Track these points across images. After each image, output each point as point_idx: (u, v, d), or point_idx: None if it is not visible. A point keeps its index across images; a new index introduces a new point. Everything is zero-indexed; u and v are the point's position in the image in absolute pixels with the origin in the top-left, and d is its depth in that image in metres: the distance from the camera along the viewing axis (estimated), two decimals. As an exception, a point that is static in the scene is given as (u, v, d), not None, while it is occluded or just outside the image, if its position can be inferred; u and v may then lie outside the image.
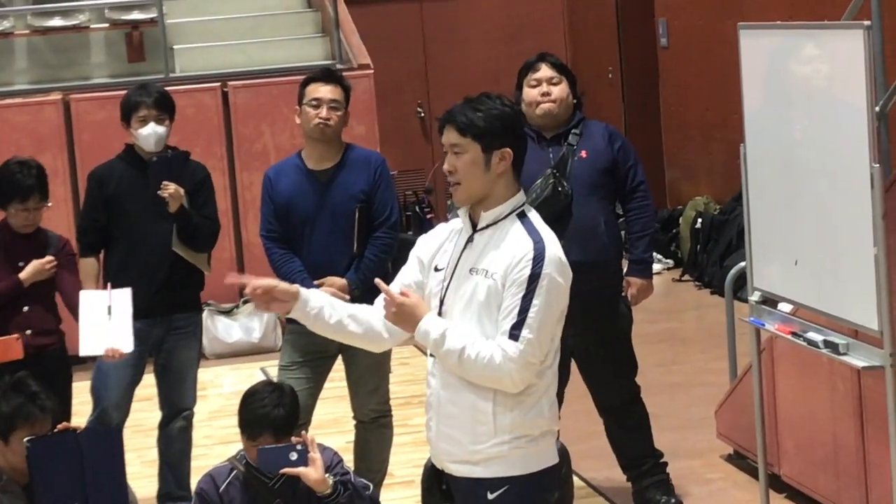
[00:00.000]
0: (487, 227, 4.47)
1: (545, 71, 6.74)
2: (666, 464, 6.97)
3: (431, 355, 4.54)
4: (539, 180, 6.47)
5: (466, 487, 4.48)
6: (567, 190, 6.53)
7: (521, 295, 4.34)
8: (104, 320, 6.47)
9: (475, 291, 4.43)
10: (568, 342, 6.51)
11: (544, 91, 6.70)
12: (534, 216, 4.50)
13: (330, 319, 4.58)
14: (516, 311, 4.34)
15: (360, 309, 4.67)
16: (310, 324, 4.60)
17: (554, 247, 4.43)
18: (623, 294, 6.79)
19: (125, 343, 6.50)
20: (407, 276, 4.65)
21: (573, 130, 6.70)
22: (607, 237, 6.67)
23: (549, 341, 4.40)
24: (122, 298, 6.54)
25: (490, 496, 4.43)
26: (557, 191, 6.50)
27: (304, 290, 4.56)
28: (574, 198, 6.54)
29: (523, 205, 4.51)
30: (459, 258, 4.50)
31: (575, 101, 6.79)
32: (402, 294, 4.49)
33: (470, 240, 4.50)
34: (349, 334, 4.62)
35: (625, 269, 6.84)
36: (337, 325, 4.59)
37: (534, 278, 4.35)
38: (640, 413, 6.93)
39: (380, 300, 4.59)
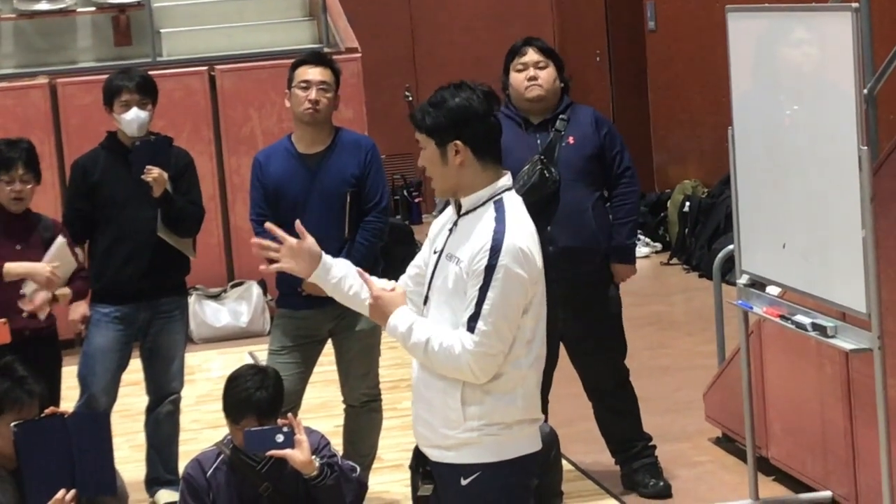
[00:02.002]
0: (468, 213, 4.48)
1: (532, 55, 6.71)
2: (654, 447, 6.98)
3: None
4: (527, 166, 6.45)
5: (443, 472, 4.51)
6: (555, 176, 6.51)
7: (478, 286, 4.35)
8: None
9: (447, 277, 4.45)
10: (558, 326, 6.55)
11: (531, 76, 6.68)
12: (509, 202, 4.47)
13: (349, 291, 4.63)
14: (474, 302, 4.35)
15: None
16: (329, 290, 4.66)
17: (517, 237, 4.39)
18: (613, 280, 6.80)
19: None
20: (419, 257, 4.70)
21: (561, 116, 6.67)
22: (595, 223, 6.66)
23: (508, 333, 4.37)
24: (60, 248, 6.54)
25: (463, 482, 4.44)
26: (545, 177, 6.47)
27: (326, 257, 4.62)
28: (562, 184, 6.53)
29: (504, 190, 4.49)
30: (445, 243, 4.51)
31: (562, 85, 6.77)
32: (387, 289, 4.54)
33: (455, 225, 4.51)
34: (364, 306, 4.65)
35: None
36: (354, 297, 4.64)
37: (490, 269, 4.34)
38: (629, 396, 6.93)
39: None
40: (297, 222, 4.70)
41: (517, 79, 6.69)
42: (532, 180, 6.42)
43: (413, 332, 4.42)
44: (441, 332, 4.40)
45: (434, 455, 4.51)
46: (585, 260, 6.59)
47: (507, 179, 4.51)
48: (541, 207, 6.41)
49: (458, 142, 4.43)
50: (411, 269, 4.69)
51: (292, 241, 4.63)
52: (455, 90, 4.48)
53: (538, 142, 6.60)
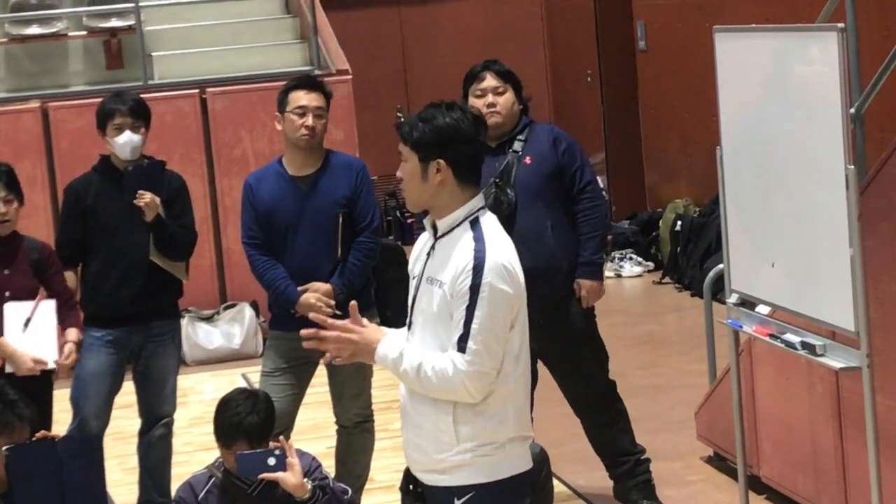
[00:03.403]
0: (444, 235, 4.49)
1: (490, 80, 6.70)
2: (649, 461, 6.97)
3: None
4: (483, 189, 6.46)
5: (436, 494, 4.51)
6: (510, 198, 6.51)
7: (464, 306, 4.36)
8: (18, 334, 6.43)
9: (430, 301, 4.46)
10: (532, 345, 6.56)
11: (489, 102, 6.66)
12: (486, 222, 4.49)
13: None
14: (462, 322, 4.36)
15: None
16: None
17: (498, 254, 4.41)
18: (576, 297, 6.75)
19: (48, 354, 6.48)
20: None
21: (518, 137, 6.69)
22: (555, 242, 6.63)
23: (499, 349, 4.39)
24: (46, 310, 6.52)
25: (457, 502, 4.45)
26: (500, 200, 6.48)
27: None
28: (519, 205, 6.51)
29: (478, 210, 4.50)
30: (423, 267, 4.53)
31: (521, 107, 6.78)
32: (357, 327, 4.51)
33: (432, 248, 4.52)
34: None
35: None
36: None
37: (475, 289, 4.35)
38: (615, 409, 6.90)
39: None
40: (353, 304, 4.61)
41: (476, 104, 6.60)
42: (486, 204, 6.43)
43: (404, 359, 4.42)
44: (432, 356, 4.40)
45: (427, 479, 4.51)
46: (545, 280, 6.55)
47: (480, 199, 4.53)
48: None
49: (441, 160, 4.44)
50: None
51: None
52: (447, 109, 4.48)
53: (496, 165, 6.59)
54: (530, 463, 4.54)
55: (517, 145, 6.65)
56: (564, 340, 6.75)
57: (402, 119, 4.53)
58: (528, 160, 6.65)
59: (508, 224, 6.32)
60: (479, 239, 4.42)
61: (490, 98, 6.67)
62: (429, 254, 4.53)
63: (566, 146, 6.75)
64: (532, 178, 6.62)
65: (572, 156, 6.74)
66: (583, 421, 6.97)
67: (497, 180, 6.53)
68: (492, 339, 4.36)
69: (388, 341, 4.48)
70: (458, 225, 4.47)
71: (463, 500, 4.43)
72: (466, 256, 4.39)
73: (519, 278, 4.44)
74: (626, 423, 6.94)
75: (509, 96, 6.70)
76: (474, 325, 4.34)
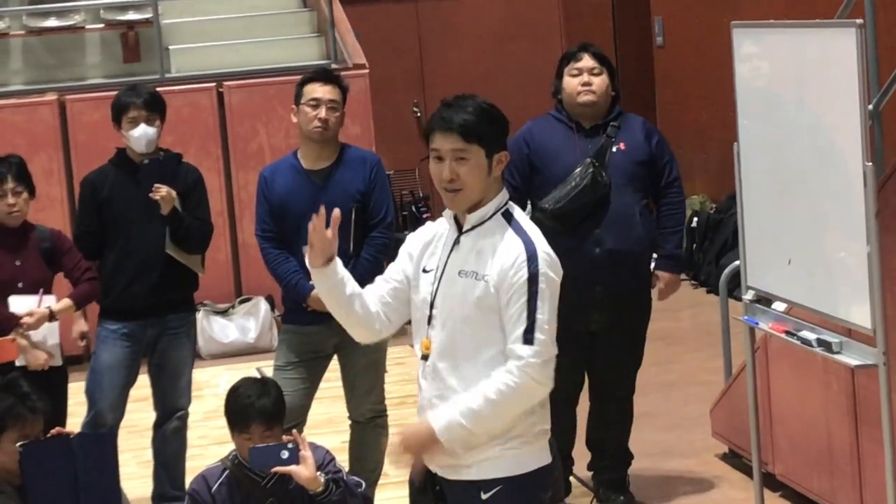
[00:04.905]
0: (473, 228, 4.45)
1: (587, 61, 6.75)
2: (628, 462, 6.98)
3: (423, 358, 4.50)
4: (578, 169, 6.53)
5: (459, 489, 4.47)
6: (606, 180, 6.58)
7: (524, 299, 4.32)
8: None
9: (465, 294, 4.40)
10: (591, 328, 6.60)
11: (585, 81, 6.71)
12: (519, 215, 4.49)
13: (346, 290, 4.54)
14: (524, 314, 4.32)
15: (365, 293, 4.62)
16: (328, 286, 4.54)
17: (543, 244, 4.42)
18: (649, 289, 6.82)
19: (54, 349, 6.54)
20: (395, 271, 4.62)
21: (612, 122, 6.72)
22: (643, 227, 6.68)
23: (554, 336, 4.39)
24: (48, 305, 6.55)
25: (483, 496, 4.42)
26: (597, 180, 6.55)
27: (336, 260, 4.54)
28: (612, 188, 6.57)
29: (507, 203, 4.49)
30: (447, 261, 4.47)
31: (614, 93, 6.80)
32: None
33: (456, 242, 4.48)
34: (353, 312, 4.58)
35: (653, 264, 6.87)
36: (349, 299, 4.54)
37: (532, 279, 4.33)
38: (627, 411, 6.93)
39: (373, 286, 4.60)
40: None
41: (571, 83, 6.72)
42: (584, 182, 6.50)
43: (469, 413, 4.31)
44: (486, 385, 4.32)
45: (452, 475, 4.46)
46: (630, 264, 6.63)
47: (505, 193, 4.51)
48: (591, 210, 6.50)
49: (505, 151, 4.44)
50: (388, 283, 4.59)
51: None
52: (485, 102, 4.44)
53: (589, 146, 6.65)
54: (551, 457, 4.53)
55: (611, 130, 6.70)
56: (627, 329, 6.76)
57: (445, 117, 4.41)
58: (622, 146, 6.71)
59: (603, 205, 6.42)
60: (520, 231, 4.42)
61: (586, 77, 6.71)
62: (452, 247, 4.47)
63: (658, 139, 6.84)
64: (625, 164, 6.67)
65: (663, 149, 6.82)
66: (592, 409, 6.97)
67: (594, 160, 6.56)
68: (552, 327, 4.36)
69: (439, 416, 4.36)
70: (489, 217, 4.44)
71: (490, 493, 4.41)
72: (514, 249, 4.37)
73: (560, 268, 4.45)
74: (629, 426, 6.96)
75: (605, 78, 6.74)
76: (539, 316, 4.32)
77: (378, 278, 4.67)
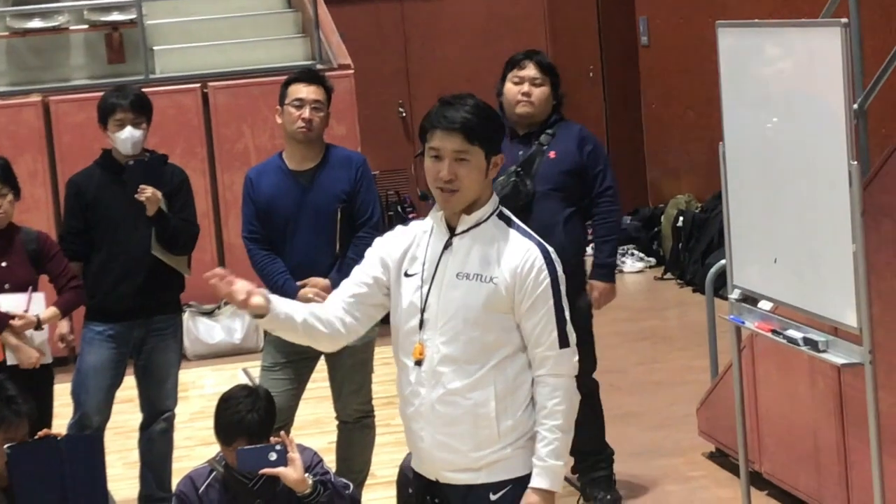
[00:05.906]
0: (468, 230, 4.39)
1: (530, 70, 6.73)
2: (611, 459, 6.98)
3: (417, 364, 4.39)
4: (502, 177, 6.48)
5: (464, 492, 4.41)
6: (529, 189, 6.54)
7: (550, 303, 4.35)
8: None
9: (468, 297, 4.34)
10: None
11: (525, 91, 6.70)
12: (513, 216, 4.48)
13: (298, 318, 4.41)
14: (553, 319, 4.35)
15: (320, 309, 4.52)
16: (278, 326, 4.42)
17: (544, 243, 4.44)
18: (584, 292, 6.75)
19: (43, 347, 6.54)
20: (363, 275, 4.50)
21: (547, 130, 6.71)
22: (566, 237, 6.61)
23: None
24: (37, 303, 6.55)
25: (493, 497, 4.39)
26: (519, 189, 6.52)
27: (273, 299, 4.39)
28: (536, 197, 6.54)
29: (499, 206, 4.46)
30: (438, 264, 4.39)
31: (555, 102, 6.79)
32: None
33: (448, 244, 4.41)
34: (314, 333, 4.46)
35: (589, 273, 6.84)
36: (304, 326, 4.42)
37: (555, 281, 4.37)
38: (592, 409, 6.84)
39: (333, 296, 4.51)
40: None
41: (511, 91, 6.72)
42: (505, 191, 6.47)
43: (560, 449, 4.38)
44: (545, 416, 4.36)
45: (461, 478, 4.40)
46: None
47: (496, 196, 4.49)
48: None
49: (501, 154, 4.43)
50: (355, 287, 4.47)
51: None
52: (483, 103, 4.40)
53: (520, 153, 6.63)
54: None
55: (544, 138, 6.68)
56: None
57: (447, 116, 4.34)
58: (552, 154, 6.68)
59: (524, 214, 6.38)
60: (524, 232, 4.42)
61: (526, 87, 6.70)
62: (443, 250, 4.39)
63: (592, 148, 6.79)
64: (553, 173, 6.65)
65: (596, 158, 6.78)
66: None
67: (518, 169, 6.55)
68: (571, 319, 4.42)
69: (537, 479, 4.36)
70: (485, 220, 4.40)
71: (499, 494, 4.38)
72: (526, 251, 4.36)
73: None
74: (600, 423, 6.96)
75: (545, 90, 6.73)
76: (566, 315, 4.38)
77: (343, 282, 4.56)
